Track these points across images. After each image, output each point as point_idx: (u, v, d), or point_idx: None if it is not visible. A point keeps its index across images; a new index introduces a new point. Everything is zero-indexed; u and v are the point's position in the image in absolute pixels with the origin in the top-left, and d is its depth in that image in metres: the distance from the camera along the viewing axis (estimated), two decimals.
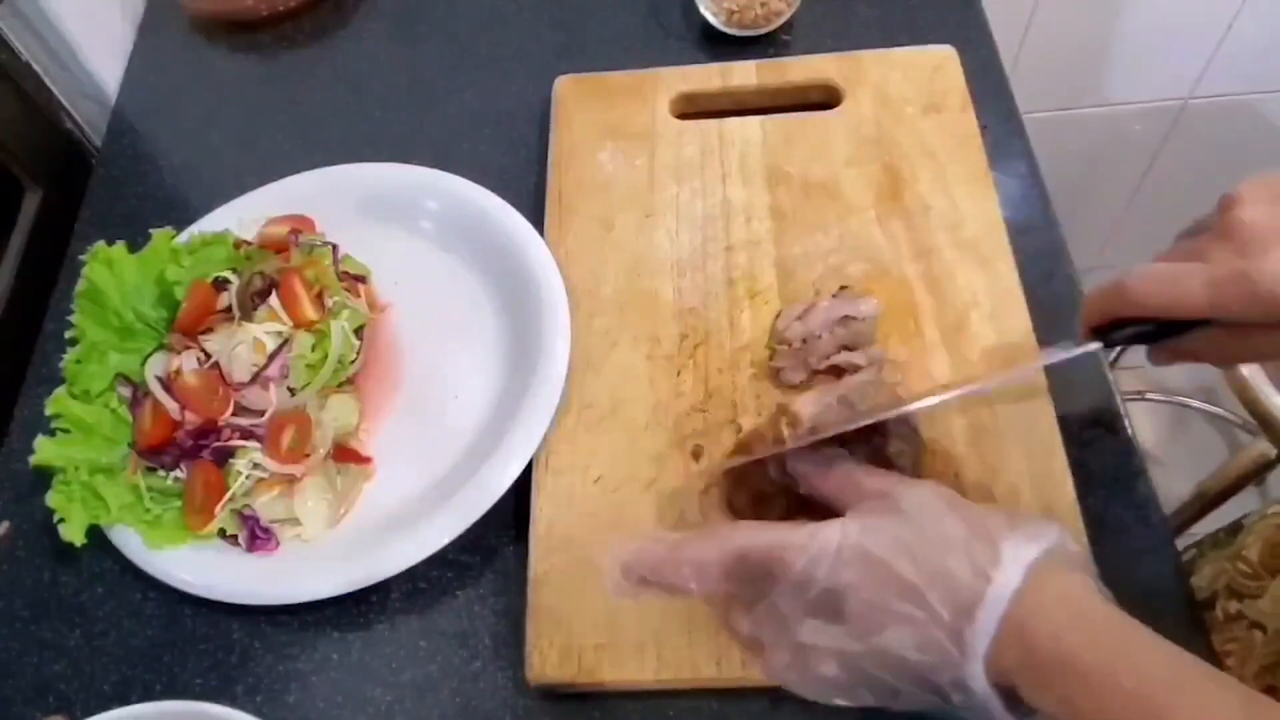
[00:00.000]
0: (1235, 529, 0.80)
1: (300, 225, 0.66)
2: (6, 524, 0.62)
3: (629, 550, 0.45)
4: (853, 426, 0.47)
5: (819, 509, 0.47)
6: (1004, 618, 0.39)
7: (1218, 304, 0.44)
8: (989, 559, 0.40)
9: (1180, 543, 0.93)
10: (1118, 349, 0.48)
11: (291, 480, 0.58)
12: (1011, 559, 0.40)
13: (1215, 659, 0.39)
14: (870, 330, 0.58)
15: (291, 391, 0.59)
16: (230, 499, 0.57)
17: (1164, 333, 0.48)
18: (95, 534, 0.57)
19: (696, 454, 0.57)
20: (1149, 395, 1.50)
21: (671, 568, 0.44)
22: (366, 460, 0.60)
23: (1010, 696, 0.40)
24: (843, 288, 0.60)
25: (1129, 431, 0.58)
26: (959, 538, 0.42)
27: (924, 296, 0.61)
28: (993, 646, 0.39)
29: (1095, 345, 0.49)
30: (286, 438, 0.57)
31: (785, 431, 0.48)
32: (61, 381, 0.61)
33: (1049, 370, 0.57)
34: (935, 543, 0.42)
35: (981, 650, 0.39)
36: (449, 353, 0.64)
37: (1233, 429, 1.49)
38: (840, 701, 0.44)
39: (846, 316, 0.58)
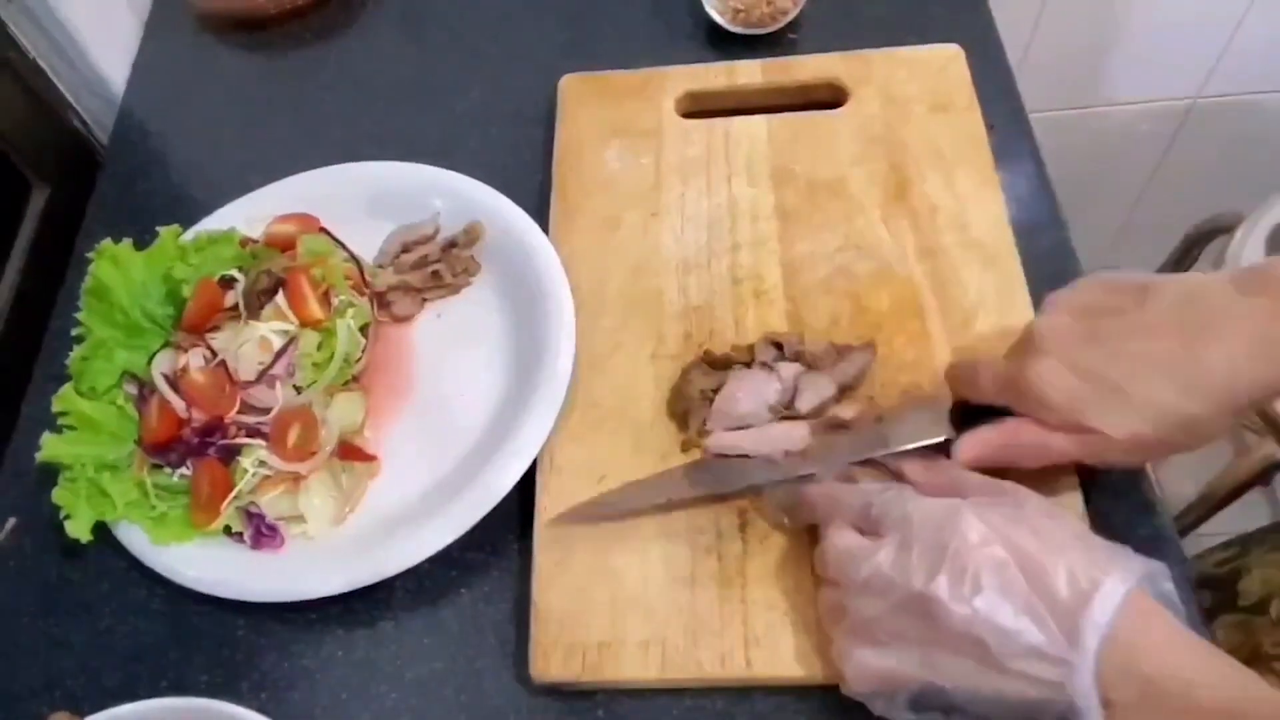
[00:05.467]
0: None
1: (305, 224, 0.66)
2: (13, 520, 0.63)
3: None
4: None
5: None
6: (1115, 617, 0.40)
7: (997, 393, 0.50)
8: (1103, 560, 0.42)
9: (1207, 541, 0.93)
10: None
11: (297, 478, 0.58)
12: (1123, 567, 0.41)
13: (1262, 662, 0.40)
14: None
15: (297, 389, 0.59)
16: (236, 496, 0.57)
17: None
18: (101, 531, 0.57)
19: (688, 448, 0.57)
20: None
21: (813, 498, 0.51)
22: (372, 458, 0.60)
23: None
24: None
25: None
26: (1076, 535, 0.44)
27: (929, 297, 0.61)
28: (1101, 647, 0.39)
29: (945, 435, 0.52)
30: (292, 435, 0.57)
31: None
32: (68, 378, 0.61)
33: None
34: (1054, 532, 0.43)
35: (1094, 644, 0.39)
36: (454, 351, 0.64)
37: (1240, 430, 1.49)
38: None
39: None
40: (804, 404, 0.56)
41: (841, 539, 0.47)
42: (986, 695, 0.42)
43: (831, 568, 0.48)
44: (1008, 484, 0.48)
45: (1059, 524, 0.44)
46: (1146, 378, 0.46)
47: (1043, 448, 0.49)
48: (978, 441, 0.50)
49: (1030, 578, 0.41)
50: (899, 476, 0.51)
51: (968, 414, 0.52)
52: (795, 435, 0.55)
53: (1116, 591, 0.40)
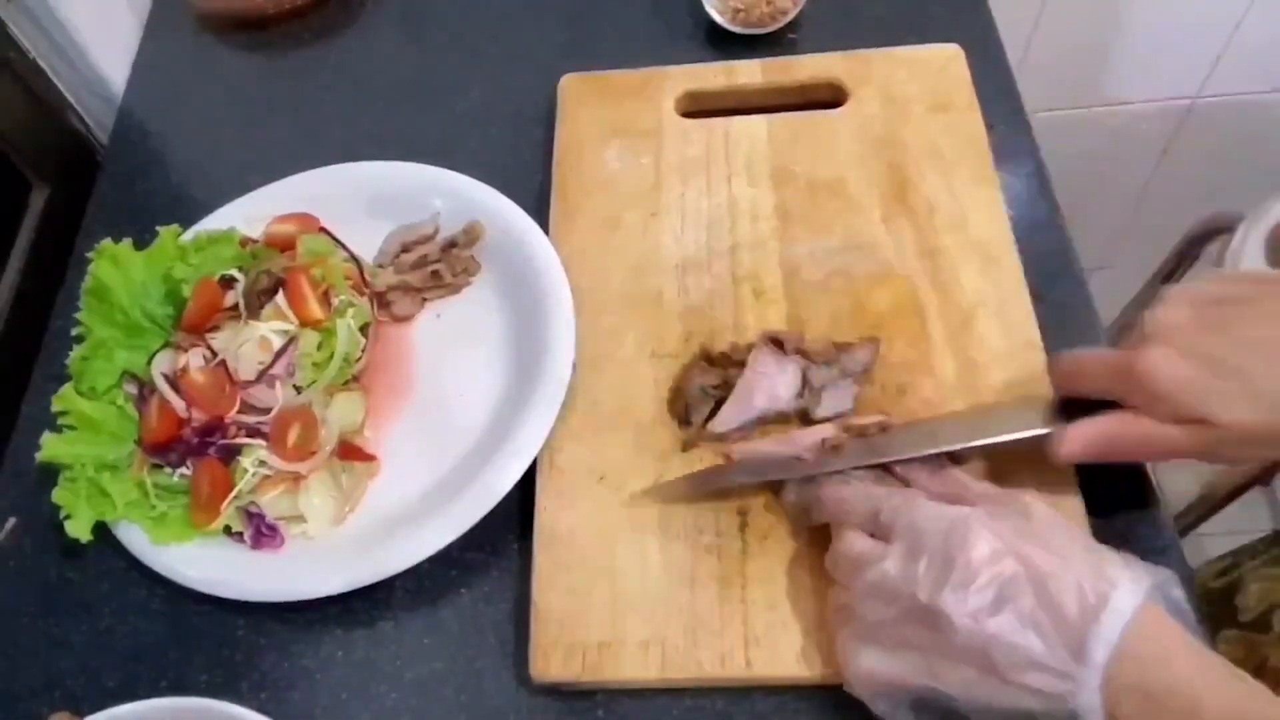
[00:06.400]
0: (1277, 539, 0.80)
1: (305, 224, 0.66)
2: (13, 520, 0.63)
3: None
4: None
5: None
6: (1124, 631, 0.39)
7: (1108, 384, 0.48)
8: (1112, 572, 0.41)
9: (1207, 541, 0.93)
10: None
11: (297, 478, 0.58)
12: (1131, 579, 0.41)
13: (1270, 677, 0.40)
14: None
15: (297, 389, 0.59)
16: (236, 496, 0.57)
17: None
18: (101, 531, 0.57)
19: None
20: None
21: (825, 501, 0.51)
22: (371, 458, 0.60)
23: None
24: None
25: None
26: (1083, 546, 0.43)
27: (929, 296, 0.61)
28: (1109, 662, 0.39)
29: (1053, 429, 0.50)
30: (292, 435, 0.57)
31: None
32: (68, 378, 0.61)
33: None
34: (1061, 544, 0.43)
35: (1102, 660, 0.39)
36: (455, 351, 0.64)
37: None
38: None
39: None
40: (823, 411, 0.56)
41: (851, 543, 0.47)
42: (990, 704, 0.42)
43: (840, 571, 0.48)
44: (1014, 491, 0.47)
45: (1066, 535, 0.44)
46: (1270, 363, 0.44)
47: (1152, 440, 0.47)
48: (1082, 434, 0.48)
49: (1038, 592, 0.41)
50: (905, 484, 0.51)
51: (1067, 411, 0.50)
52: (821, 437, 0.55)
53: (1125, 606, 0.40)
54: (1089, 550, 0.43)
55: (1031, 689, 0.40)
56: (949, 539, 0.43)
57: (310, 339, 0.60)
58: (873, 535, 0.47)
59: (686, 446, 0.57)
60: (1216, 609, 0.78)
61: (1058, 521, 0.45)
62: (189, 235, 0.66)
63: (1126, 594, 0.40)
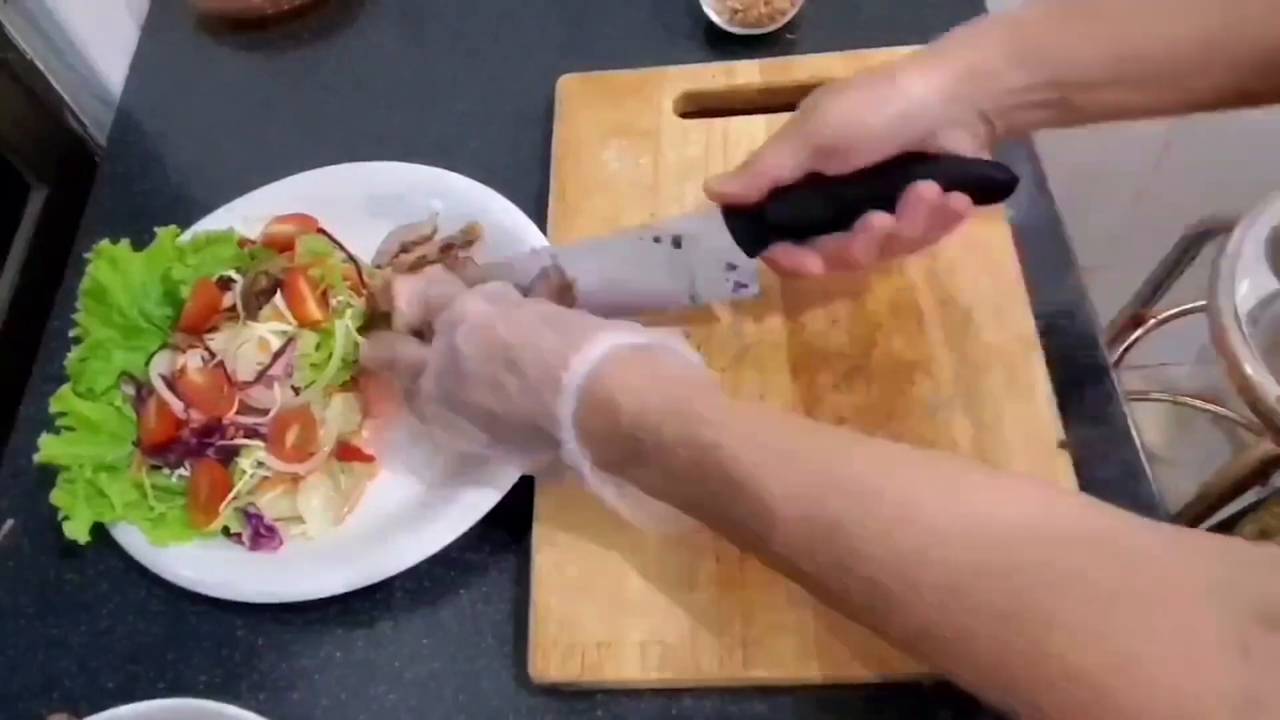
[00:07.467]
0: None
1: (303, 224, 0.66)
2: (11, 522, 0.63)
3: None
4: None
5: None
6: (587, 388, 0.45)
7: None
8: (581, 338, 0.46)
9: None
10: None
11: (295, 478, 0.58)
12: (600, 340, 0.46)
13: None
14: None
15: (295, 390, 0.59)
16: (234, 497, 0.57)
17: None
18: (100, 531, 0.57)
19: None
20: (1153, 395, 1.49)
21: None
22: (370, 458, 0.60)
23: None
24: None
25: (1133, 432, 0.58)
26: (558, 320, 0.49)
27: (928, 296, 0.61)
28: (579, 413, 0.45)
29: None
30: (290, 436, 0.57)
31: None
32: (66, 379, 0.61)
33: (1054, 371, 0.57)
34: (532, 319, 0.49)
35: (568, 414, 0.45)
36: None
37: (1237, 429, 1.49)
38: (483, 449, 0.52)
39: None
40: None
41: (406, 349, 0.54)
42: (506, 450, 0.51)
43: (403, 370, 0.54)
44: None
45: (554, 318, 0.49)
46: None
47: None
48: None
49: (515, 357, 0.47)
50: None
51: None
52: None
53: (587, 361, 0.45)
54: (565, 322, 0.49)
55: (519, 446, 0.50)
56: (458, 311, 0.50)
57: (309, 339, 0.60)
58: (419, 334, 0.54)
59: None
60: None
61: (556, 312, 0.51)
62: (187, 236, 0.66)
63: (586, 354, 0.45)
